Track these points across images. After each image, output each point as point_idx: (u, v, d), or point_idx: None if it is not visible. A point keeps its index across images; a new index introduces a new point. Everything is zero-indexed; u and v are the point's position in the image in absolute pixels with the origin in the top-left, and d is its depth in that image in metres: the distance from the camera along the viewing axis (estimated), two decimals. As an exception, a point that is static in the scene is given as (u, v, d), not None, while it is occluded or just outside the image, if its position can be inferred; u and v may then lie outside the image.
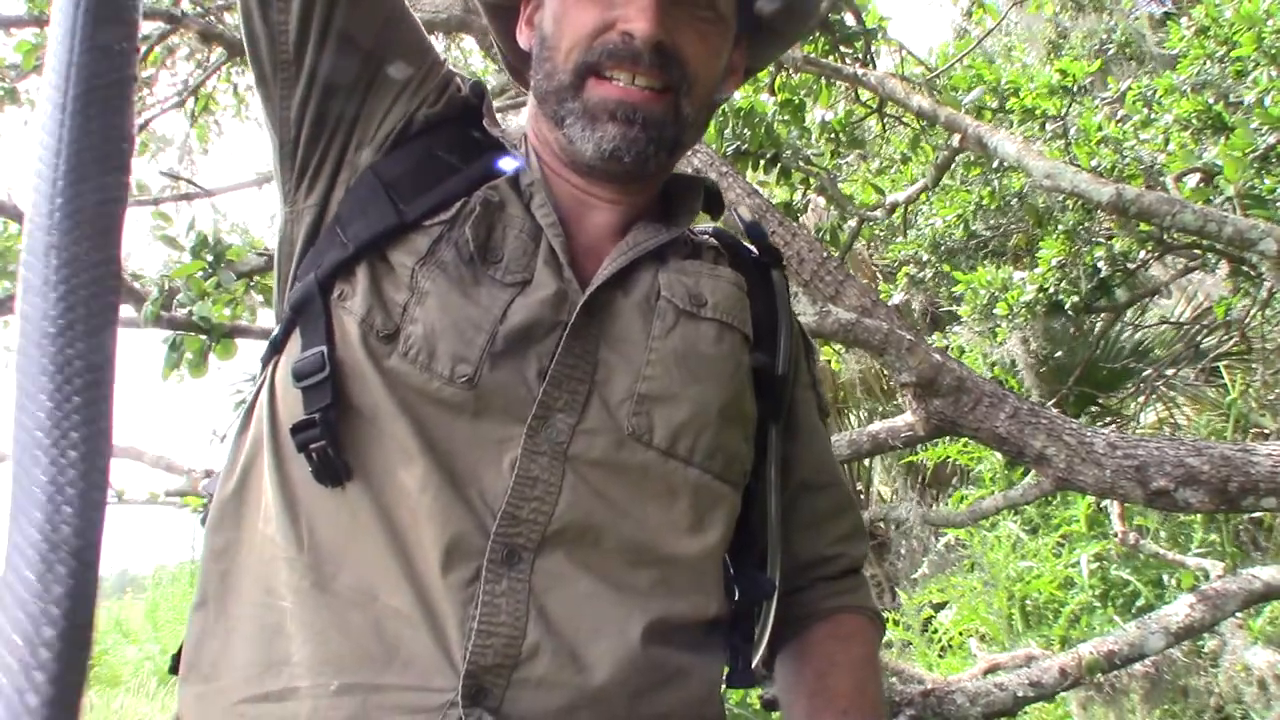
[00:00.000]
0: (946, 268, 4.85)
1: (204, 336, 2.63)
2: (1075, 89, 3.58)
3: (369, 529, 0.78)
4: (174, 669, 0.85)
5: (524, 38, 0.95)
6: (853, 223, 4.20)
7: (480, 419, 0.79)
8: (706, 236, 0.99)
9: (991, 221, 5.05)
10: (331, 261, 0.83)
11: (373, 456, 0.79)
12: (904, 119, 4.11)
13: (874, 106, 3.81)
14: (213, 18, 3.13)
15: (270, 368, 0.87)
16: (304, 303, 0.83)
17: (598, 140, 0.85)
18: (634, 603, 0.80)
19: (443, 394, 0.79)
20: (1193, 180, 3.12)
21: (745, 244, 1.02)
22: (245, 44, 0.88)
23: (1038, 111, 3.67)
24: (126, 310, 3.04)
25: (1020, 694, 1.67)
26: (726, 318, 0.90)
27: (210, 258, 2.75)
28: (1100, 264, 4.08)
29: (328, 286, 0.83)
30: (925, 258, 4.96)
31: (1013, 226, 5.41)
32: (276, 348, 0.87)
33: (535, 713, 0.75)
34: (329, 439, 0.78)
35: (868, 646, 0.99)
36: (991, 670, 3.14)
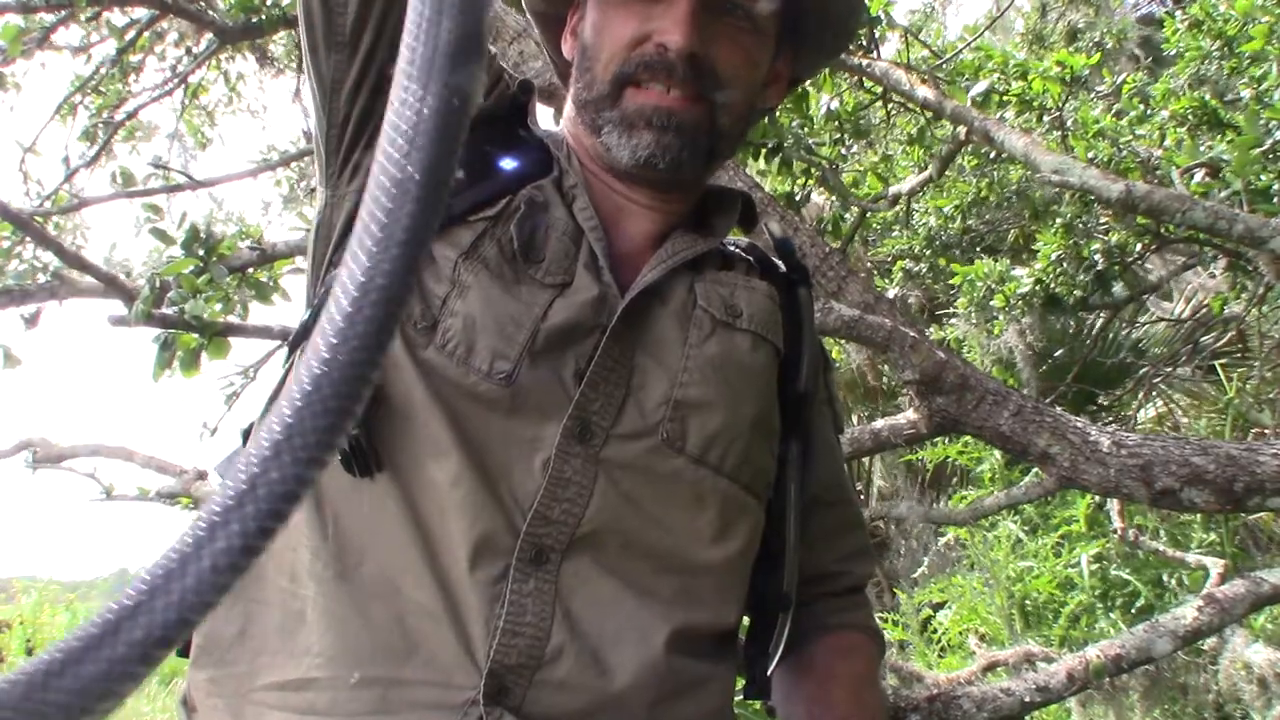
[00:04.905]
0: (943, 261, 4.82)
1: (196, 335, 2.59)
2: (1073, 80, 3.55)
3: (395, 521, 0.78)
4: (183, 652, 0.84)
5: (568, 47, 0.97)
6: (854, 214, 4.17)
7: (515, 416, 0.79)
8: (737, 250, 1.00)
9: (988, 217, 5.03)
10: None
11: (403, 448, 0.78)
12: (910, 106, 4.08)
13: (878, 94, 3.77)
14: (203, 3, 3.08)
15: (299, 353, 0.86)
16: None
17: (633, 148, 0.86)
18: (657, 610, 0.80)
19: (479, 389, 0.78)
20: (1198, 175, 3.09)
21: (775, 259, 1.02)
22: (300, 18, 0.86)
23: (1035, 104, 3.63)
24: (117, 307, 2.99)
25: (1027, 699, 1.65)
26: (761, 330, 0.91)
27: (202, 252, 2.71)
28: (1097, 257, 4.06)
29: None
30: (920, 251, 4.93)
31: (1009, 224, 5.40)
32: (306, 332, 0.86)
33: (555, 714, 0.75)
34: (361, 428, 0.77)
35: (867, 662, 0.99)
36: (990, 668, 3.12)
